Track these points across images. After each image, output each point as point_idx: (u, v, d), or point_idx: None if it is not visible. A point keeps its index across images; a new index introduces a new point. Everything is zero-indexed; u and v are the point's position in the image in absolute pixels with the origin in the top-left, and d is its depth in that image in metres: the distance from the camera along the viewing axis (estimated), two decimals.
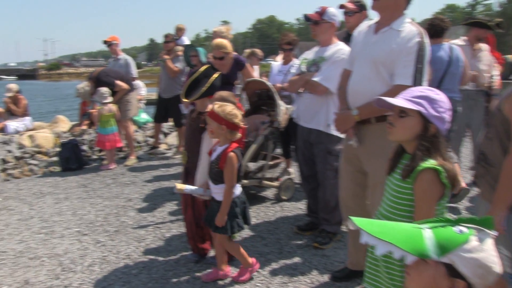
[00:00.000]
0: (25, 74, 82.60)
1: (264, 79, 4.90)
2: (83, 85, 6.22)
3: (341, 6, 3.78)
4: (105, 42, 6.76)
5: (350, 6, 3.82)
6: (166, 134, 7.87)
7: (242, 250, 3.03)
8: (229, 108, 2.69)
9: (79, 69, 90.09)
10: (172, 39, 6.68)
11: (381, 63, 2.50)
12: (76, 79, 65.20)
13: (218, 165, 2.75)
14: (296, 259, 3.36)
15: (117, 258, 3.43)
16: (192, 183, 3.01)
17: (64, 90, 41.74)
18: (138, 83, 8.12)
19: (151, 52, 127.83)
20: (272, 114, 4.46)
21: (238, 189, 2.86)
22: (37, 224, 4.16)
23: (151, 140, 7.38)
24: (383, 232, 1.06)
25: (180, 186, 2.90)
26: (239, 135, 2.78)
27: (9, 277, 3.13)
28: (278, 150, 5.54)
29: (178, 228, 3.98)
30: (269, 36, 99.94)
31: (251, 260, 3.07)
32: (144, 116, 8.29)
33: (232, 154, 2.71)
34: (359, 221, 1.10)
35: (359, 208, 2.82)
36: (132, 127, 6.84)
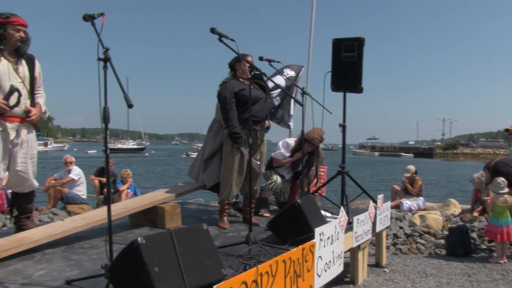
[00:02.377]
0: (422, 152, 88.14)
1: None
2: (479, 174, 6.25)
3: None
4: (507, 130, 6.65)
5: None
6: None
7: None
8: None
9: (476, 149, 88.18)
10: None
11: None
12: (472, 159, 64.16)
13: None
14: None
15: None
16: None
17: (458, 170, 41.91)
18: None
19: None
20: None
21: None
22: None
23: None
24: None
25: None
26: None
27: None
28: None
29: None
30: None
31: None
32: None
33: None
34: None
35: None
36: None
